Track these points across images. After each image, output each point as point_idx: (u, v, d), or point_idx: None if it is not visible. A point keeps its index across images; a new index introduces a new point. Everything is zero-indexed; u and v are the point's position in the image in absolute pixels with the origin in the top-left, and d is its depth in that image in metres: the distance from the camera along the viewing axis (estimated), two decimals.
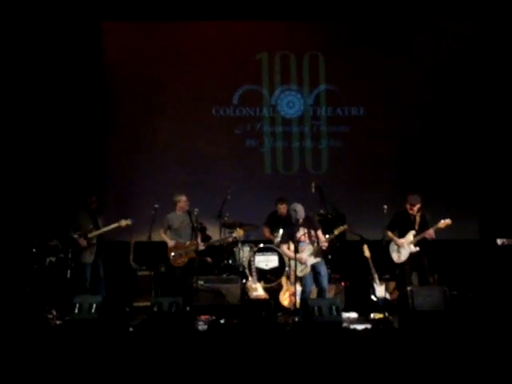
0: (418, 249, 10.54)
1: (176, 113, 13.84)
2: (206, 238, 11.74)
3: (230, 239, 11.75)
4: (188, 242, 10.88)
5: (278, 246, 11.46)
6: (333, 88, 14.03)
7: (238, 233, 11.36)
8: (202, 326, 9.78)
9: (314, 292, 10.45)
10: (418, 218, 10.66)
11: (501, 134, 13.41)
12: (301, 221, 10.24)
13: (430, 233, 10.46)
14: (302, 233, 10.24)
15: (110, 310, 9.25)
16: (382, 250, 10.80)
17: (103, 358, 6.77)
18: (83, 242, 10.72)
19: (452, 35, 13.92)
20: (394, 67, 13.87)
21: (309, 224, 10.32)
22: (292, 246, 10.17)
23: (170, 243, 10.87)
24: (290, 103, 14.09)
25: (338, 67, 13.99)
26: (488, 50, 13.67)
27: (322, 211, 11.91)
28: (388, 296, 11.09)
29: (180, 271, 10.86)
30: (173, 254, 10.86)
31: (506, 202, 12.56)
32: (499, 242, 10.92)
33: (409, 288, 9.75)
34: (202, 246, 10.95)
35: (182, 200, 11.03)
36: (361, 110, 14.05)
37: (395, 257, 10.73)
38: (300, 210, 10.22)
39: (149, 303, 9.48)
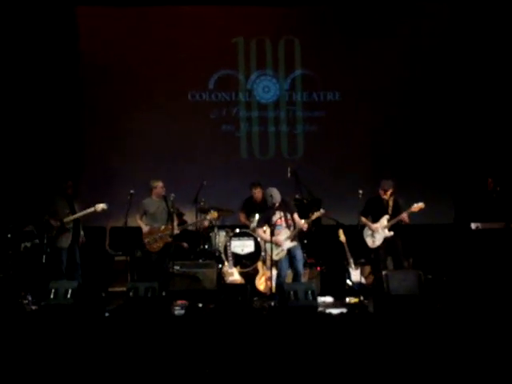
0: (392, 233, 10.60)
1: (151, 98, 13.76)
2: (181, 223, 11.72)
3: (205, 222, 11.75)
4: (163, 227, 10.87)
5: (254, 231, 11.49)
6: (308, 73, 14.03)
7: (213, 215, 11.35)
8: (178, 311, 9.80)
9: (289, 276, 10.48)
10: (390, 203, 10.72)
11: (476, 118, 13.46)
12: (277, 205, 10.26)
13: (404, 217, 10.52)
14: (278, 216, 10.27)
15: (85, 295, 9.24)
16: (357, 234, 10.86)
17: (79, 343, 6.78)
18: (55, 223, 10.65)
19: (428, 19, 13.94)
20: (370, 52, 13.86)
21: (285, 208, 10.34)
22: (268, 230, 10.19)
23: (145, 229, 10.86)
24: (266, 88, 14.08)
25: (313, 52, 13.98)
26: (464, 34, 13.70)
27: (297, 196, 11.96)
28: (363, 280, 11.14)
29: (156, 256, 10.84)
30: (147, 239, 10.84)
31: (480, 186, 12.62)
32: (473, 226, 11.01)
33: (384, 272, 9.82)
34: (177, 231, 10.94)
35: (159, 186, 11.00)
36: (336, 94, 14.07)
37: (370, 242, 10.78)
38: (276, 194, 10.24)
39: (125, 288, 9.48)
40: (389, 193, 10.72)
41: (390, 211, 10.68)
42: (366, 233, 10.82)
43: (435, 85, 13.87)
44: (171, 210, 10.89)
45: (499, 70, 13.29)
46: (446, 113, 13.85)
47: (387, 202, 10.73)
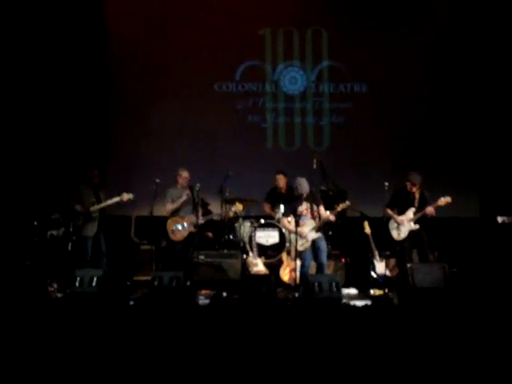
0: (417, 226, 10.54)
1: (178, 88, 13.78)
2: (206, 213, 11.73)
3: (230, 214, 11.75)
4: (187, 217, 10.90)
5: (279, 221, 11.49)
6: (335, 64, 13.98)
7: (238, 207, 11.36)
8: (202, 301, 9.83)
9: (313, 267, 10.46)
10: (417, 195, 10.63)
11: (502, 111, 13.36)
12: (304, 195, 10.22)
13: (431, 210, 10.45)
14: (304, 207, 10.23)
15: (110, 284, 9.30)
16: (382, 226, 10.82)
17: (104, 332, 6.81)
18: (81, 208, 10.71)
19: (456, 11, 13.83)
20: (398, 43, 13.80)
21: (312, 199, 10.30)
22: (293, 221, 10.18)
23: (184, 197, 10.91)
24: (293, 79, 14.05)
25: (340, 43, 13.91)
26: (492, 26, 13.59)
27: (323, 187, 11.94)
28: (388, 273, 11.11)
29: (180, 245, 10.89)
30: (172, 228, 10.88)
31: (506, 180, 12.55)
32: (499, 219, 10.93)
33: (409, 265, 9.79)
34: (201, 221, 10.97)
35: (183, 175, 11.04)
36: (363, 86, 14.01)
37: (395, 234, 10.73)
38: (304, 185, 10.18)
39: (149, 277, 9.52)
40: (416, 186, 10.63)
41: (416, 204, 10.60)
42: (392, 225, 10.76)
43: (462, 77, 13.77)
44: (196, 199, 10.92)
45: None
46: (473, 105, 13.74)
47: (414, 194, 10.64)
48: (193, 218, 10.85)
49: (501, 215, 10.98)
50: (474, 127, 13.70)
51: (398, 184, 10.90)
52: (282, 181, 11.95)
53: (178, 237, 10.88)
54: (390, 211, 10.77)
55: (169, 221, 10.95)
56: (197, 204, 10.94)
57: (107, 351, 6.15)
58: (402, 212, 10.70)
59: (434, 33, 13.74)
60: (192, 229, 10.84)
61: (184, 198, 10.91)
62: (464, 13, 13.86)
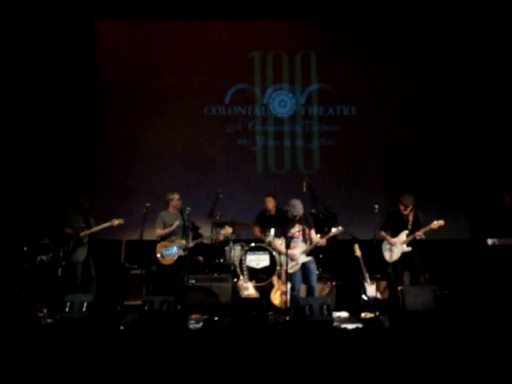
0: (410, 248, 10.54)
1: (168, 112, 13.82)
2: (196, 236, 11.71)
3: (220, 237, 11.73)
4: (177, 240, 10.89)
5: (269, 244, 11.49)
6: (325, 87, 14.04)
7: (227, 231, 11.34)
8: (193, 325, 9.80)
9: (303, 290, 10.44)
10: (410, 218, 10.65)
11: (492, 135, 13.42)
12: (298, 217, 10.21)
13: (420, 234, 10.46)
14: (297, 229, 10.20)
15: (100, 309, 9.26)
16: (372, 249, 10.82)
17: (94, 357, 6.78)
18: (70, 231, 10.70)
19: (444, 35, 13.96)
20: (387, 67, 13.88)
21: (305, 222, 10.31)
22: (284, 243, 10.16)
23: (176, 224, 10.89)
24: (282, 102, 14.09)
25: (330, 66, 13.98)
26: (480, 50, 13.68)
27: (313, 210, 11.96)
28: (379, 295, 11.10)
29: (170, 269, 10.86)
30: (162, 252, 10.86)
31: (496, 202, 12.57)
32: (490, 241, 10.96)
33: (400, 287, 9.76)
34: (191, 244, 10.96)
35: (175, 198, 11.05)
36: (353, 109, 14.06)
37: (387, 256, 10.73)
38: (298, 206, 10.15)
39: (140, 302, 9.48)
40: (409, 208, 10.65)
41: (409, 226, 10.60)
42: (385, 247, 10.77)
43: (452, 100, 13.86)
44: (186, 223, 10.92)
45: None
46: (463, 128, 13.80)
47: (407, 217, 10.65)
48: (182, 242, 10.84)
49: (491, 237, 11.01)
50: (463, 149, 13.76)
51: (389, 206, 10.93)
52: (271, 203, 11.97)
53: (168, 261, 10.85)
54: (383, 233, 10.78)
55: (158, 245, 10.93)
56: (187, 228, 10.94)
57: (98, 377, 6.11)
58: (395, 234, 10.71)
59: (423, 56, 13.84)
60: (182, 253, 10.82)
61: (175, 226, 10.90)
62: (452, 36, 13.99)
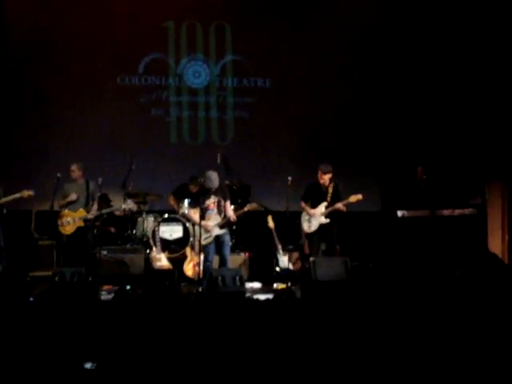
0: (328, 220, 10.62)
1: (80, 81, 13.50)
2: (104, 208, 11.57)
3: (119, 211, 11.63)
4: (77, 211, 10.76)
5: (183, 216, 11.49)
6: (239, 59, 13.99)
7: (128, 204, 11.23)
8: (104, 296, 9.73)
9: (216, 262, 10.48)
10: (330, 190, 10.70)
11: (404, 106, 13.60)
12: (213, 189, 10.19)
13: (340, 207, 10.56)
14: (212, 201, 10.19)
15: (9, 279, 9.10)
16: (285, 220, 10.89)
17: (2, 328, 6.66)
18: None
19: (356, 5, 14.01)
20: (301, 39, 13.81)
21: (221, 194, 10.30)
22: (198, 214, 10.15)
23: (73, 196, 10.73)
24: (196, 73, 14.00)
25: (244, 38, 13.91)
26: (393, 19, 13.78)
27: (227, 182, 11.95)
28: (291, 266, 11.22)
29: (72, 240, 10.74)
30: (62, 221, 10.72)
31: (407, 174, 12.79)
32: (399, 213, 11.16)
33: (311, 259, 9.88)
34: (90, 216, 10.81)
35: (71, 169, 10.91)
36: (267, 81, 14.07)
37: (306, 227, 10.79)
38: (213, 178, 10.13)
39: (50, 273, 9.36)
40: (327, 177, 10.68)
41: (328, 198, 10.66)
42: (304, 218, 10.83)
43: (364, 71, 13.98)
44: (91, 193, 10.82)
45: (427, 55, 13.39)
46: (374, 100, 13.96)
47: (327, 188, 10.72)
48: (83, 213, 10.72)
49: (401, 209, 11.22)
50: (375, 121, 13.91)
51: (302, 178, 11.02)
52: (193, 189, 11.84)
53: (67, 230, 10.72)
54: (303, 204, 10.83)
55: (60, 214, 10.78)
56: (90, 198, 10.83)
57: (6, 348, 6.02)
58: (314, 205, 10.75)
59: (336, 27, 13.87)
60: (81, 223, 10.69)
61: (71, 198, 10.76)
62: (364, 6, 14.07)
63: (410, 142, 13.34)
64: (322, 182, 10.71)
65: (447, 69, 13.01)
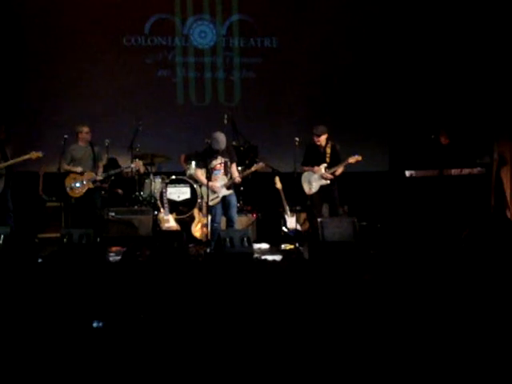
0: (328, 182, 10.60)
1: (85, 42, 13.40)
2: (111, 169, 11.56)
3: (128, 170, 11.64)
4: (86, 173, 10.75)
5: (190, 177, 11.50)
6: (246, 18, 13.87)
7: (137, 164, 11.22)
8: (113, 257, 9.76)
9: (223, 222, 10.49)
10: (328, 150, 10.66)
11: (410, 66, 13.52)
12: (220, 150, 10.16)
13: (340, 170, 10.55)
14: (219, 161, 10.17)
15: (18, 241, 9.13)
16: (293, 181, 10.87)
17: (11, 289, 6.69)
18: None
19: None
20: None
21: (228, 155, 10.27)
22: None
23: (78, 169, 10.73)
24: (203, 33, 13.89)
25: None
26: None
27: (234, 143, 11.94)
28: (299, 227, 11.23)
29: (81, 202, 10.75)
30: (71, 184, 10.72)
31: (415, 135, 12.75)
32: (407, 173, 11.16)
33: (319, 219, 9.87)
34: (99, 177, 10.81)
35: (84, 131, 10.85)
36: (274, 41, 13.96)
37: (306, 188, 10.78)
38: (221, 140, 10.09)
39: (58, 235, 9.38)
40: (323, 139, 10.62)
41: (327, 159, 10.63)
42: (304, 179, 10.81)
43: (373, 31, 13.82)
44: (97, 156, 10.81)
45: (435, 13, 13.30)
46: (382, 60, 13.84)
47: (324, 149, 10.68)
48: (92, 175, 10.71)
49: (409, 169, 11.20)
50: (382, 82, 13.82)
51: (309, 139, 10.96)
52: None
53: (77, 194, 10.72)
54: (305, 167, 10.79)
55: (67, 177, 10.76)
56: (97, 160, 10.82)
57: (15, 309, 6.04)
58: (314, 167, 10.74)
59: None
60: (91, 185, 10.69)
61: (76, 170, 10.74)
62: None
63: (418, 102, 13.28)
64: (318, 144, 10.66)
65: (457, 26, 12.91)
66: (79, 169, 10.76)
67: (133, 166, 11.26)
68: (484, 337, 5.28)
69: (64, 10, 13.33)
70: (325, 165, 10.61)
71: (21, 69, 13.36)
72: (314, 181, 10.68)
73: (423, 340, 5.25)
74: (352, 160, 10.44)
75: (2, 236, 8.93)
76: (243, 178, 10.62)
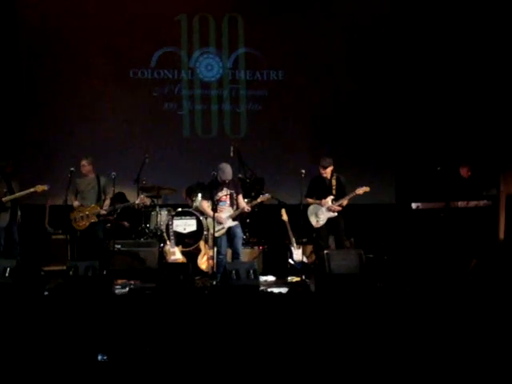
0: (335, 214, 10.58)
1: (93, 75, 13.50)
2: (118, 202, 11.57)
3: (135, 205, 11.64)
4: (91, 206, 10.76)
5: (196, 209, 11.49)
6: (252, 51, 13.95)
7: (142, 199, 11.22)
8: (119, 290, 9.74)
9: (229, 254, 10.48)
10: (334, 182, 10.65)
11: (417, 99, 13.56)
12: (226, 181, 10.19)
13: (346, 202, 10.54)
14: (224, 193, 10.20)
15: (24, 274, 9.12)
16: (299, 213, 10.85)
17: (18, 323, 6.68)
18: None
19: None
20: (314, 31, 13.81)
21: (234, 187, 10.31)
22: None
23: (75, 203, 10.76)
24: (209, 66, 13.98)
25: (257, 30, 13.88)
26: (406, 14, 13.75)
27: (240, 175, 11.94)
28: (305, 259, 11.20)
29: (81, 234, 10.76)
30: (75, 216, 10.74)
31: (421, 167, 12.76)
32: (414, 206, 11.13)
33: (325, 251, 9.83)
34: (103, 211, 10.81)
35: (81, 164, 10.90)
36: (280, 73, 14.03)
37: (313, 221, 10.76)
38: (227, 171, 10.13)
39: (64, 267, 9.37)
40: (329, 171, 10.64)
41: (333, 191, 10.63)
42: (310, 212, 10.79)
43: (378, 64, 13.90)
44: (102, 188, 10.83)
45: (441, 47, 13.37)
46: (388, 92, 13.91)
47: (330, 181, 10.68)
48: (97, 209, 10.72)
49: (415, 202, 11.18)
50: (390, 115, 13.88)
51: (315, 171, 10.96)
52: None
53: (81, 226, 10.73)
54: (310, 200, 10.77)
55: (73, 210, 10.79)
56: (102, 193, 10.85)
57: (22, 342, 6.03)
58: (320, 200, 10.73)
59: (349, 19, 13.84)
60: (95, 219, 10.69)
61: (75, 205, 10.77)
62: (378, 3, 14.04)
63: (424, 134, 13.32)
64: (324, 176, 10.67)
65: (463, 59, 12.97)
66: (76, 203, 10.79)
67: (137, 202, 11.24)
68: (494, 369, 5.26)
69: (71, 43, 13.44)
70: (332, 197, 10.59)
71: (28, 101, 13.44)
72: (322, 213, 10.66)
73: (431, 374, 5.23)
74: (360, 191, 10.44)
75: (8, 269, 8.91)
76: (250, 212, 10.64)
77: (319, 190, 10.75)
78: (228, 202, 10.24)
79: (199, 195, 11.45)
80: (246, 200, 10.64)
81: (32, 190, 10.61)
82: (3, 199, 10.48)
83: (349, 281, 9.15)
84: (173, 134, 13.81)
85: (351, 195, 10.49)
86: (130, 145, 13.27)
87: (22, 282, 8.93)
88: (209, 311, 7.46)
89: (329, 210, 10.55)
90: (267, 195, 10.39)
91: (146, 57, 13.79)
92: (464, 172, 11.47)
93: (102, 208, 10.75)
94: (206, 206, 10.35)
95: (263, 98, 14.02)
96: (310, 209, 10.80)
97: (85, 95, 13.47)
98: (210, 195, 10.20)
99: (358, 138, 13.71)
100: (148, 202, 11.68)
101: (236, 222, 10.23)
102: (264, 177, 12.48)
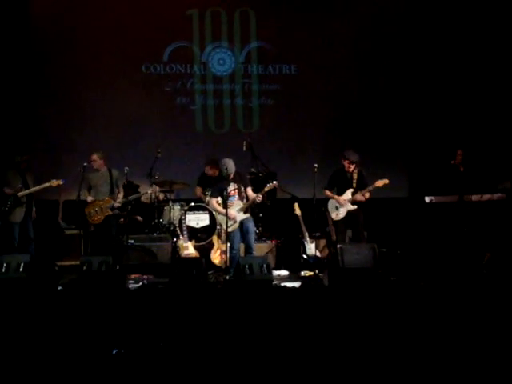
0: (355, 207, 10.55)
1: (105, 70, 13.53)
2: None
3: (147, 195, 11.66)
4: (104, 199, 10.78)
5: (209, 203, 11.49)
6: (264, 45, 13.94)
7: (154, 190, 11.24)
8: (132, 285, 9.75)
9: (242, 249, 10.48)
10: (355, 176, 10.63)
11: (431, 93, 13.52)
12: (231, 176, 10.21)
13: (366, 196, 10.53)
14: (232, 188, 10.22)
15: (38, 269, 9.15)
16: (312, 208, 10.84)
17: (32, 318, 6.70)
18: (8, 191, 10.54)
19: None
20: (326, 25, 13.79)
21: (239, 180, 10.32)
22: (221, 202, 10.21)
23: (89, 198, 10.78)
24: (221, 60, 13.96)
25: (269, 24, 13.86)
26: (422, 6, 13.71)
27: (253, 169, 11.96)
28: (318, 254, 11.18)
29: (100, 229, 10.78)
30: (90, 211, 10.76)
31: (434, 160, 12.71)
32: (427, 199, 11.11)
33: (338, 245, 9.82)
34: (117, 204, 10.83)
35: (92, 158, 10.91)
36: (292, 67, 14.01)
37: (333, 214, 10.73)
38: (230, 166, 10.17)
39: (77, 262, 9.39)
40: (353, 165, 10.64)
41: (354, 185, 10.60)
42: (331, 205, 10.77)
43: (391, 58, 13.86)
44: (115, 181, 10.84)
45: (456, 39, 13.33)
46: (401, 85, 13.87)
47: (351, 175, 10.65)
48: (110, 202, 10.74)
49: (428, 195, 11.15)
50: (402, 108, 13.83)
51: (327, 165, 10.97)
52: (209, 171, 11.84)
53: (96, 220, 10.76)
54: (329, 193, 10.76)
55: (88, 205, 10.81)
56: (114, 186, 10.86)
57: (36, 337, 6.05)
58: (340, 193, 10.68)
59: (362, 12, 13.76)
60: (109, 212, 10.72)
61: (89, 200, 10.79)
62: None
63: (437, 128, 13.26)
64: (347, 169, 10.64)
65: (477, 53, 12.93)
66: (89, 198, 10.81)
67: (150, 191, 11.29)
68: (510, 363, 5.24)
69: (84, 39, 13.45)
70: (351, 190, 10.57)
71: (41, 97, 13.47)
72: (342, 207, 10.63)
73: (445, 366, 5.21)
74: (380, 183, 10.41)
75: (22, 264, 8.95)
76: (262, 204, 10.62)
77: (340, 183, 10.73)
78: (237, 195, 10.25)
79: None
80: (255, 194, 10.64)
81: (47, 184, 10.67)
82: (18, 194, 10.53)
83: (362, 275, 9.14)
84: (185, 129, 13.81)
85: (372, 187, 10.47)
86: (143, 140, 13.25)
87: (36, 277, 8.96)
88: (222, 306, 7.46)
89: (349, 202, 10.52)
90: (275, 182, 10.30)
91: (159, 52, 13.79)
92: (458, 159, 11.36)
93: (115, 200, 10.78)
94: (216, 203, 10.38)
95: (275, 93, 14.00)
96: (331, 202, 10.79)
97: (97, 90, 13.48)
98: (219, 192, 10.23)
99: (371, 131, 13.67)
100: (159, 193, 11.70)
101: (247, 215, 10.22)
102: (277, 171, 12.46)
